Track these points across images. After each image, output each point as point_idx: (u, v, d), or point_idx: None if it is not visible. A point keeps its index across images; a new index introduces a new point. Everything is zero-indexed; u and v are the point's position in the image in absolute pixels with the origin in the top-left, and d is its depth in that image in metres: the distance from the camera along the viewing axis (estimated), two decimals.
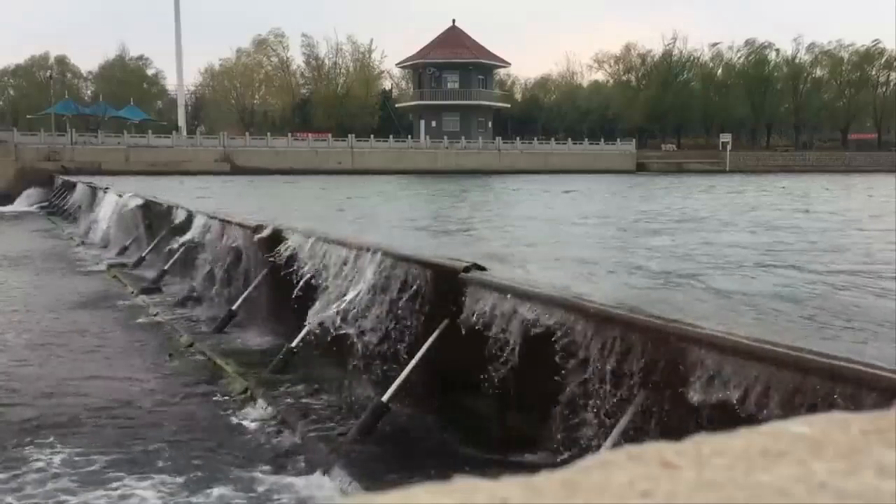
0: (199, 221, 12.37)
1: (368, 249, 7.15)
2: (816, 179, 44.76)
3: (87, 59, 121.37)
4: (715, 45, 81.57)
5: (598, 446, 4.58)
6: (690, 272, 8.78)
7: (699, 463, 0.64)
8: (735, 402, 3.81)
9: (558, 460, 4.72)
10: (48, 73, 71.24)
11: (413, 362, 6.22)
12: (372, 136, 59.24)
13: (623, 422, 4.50)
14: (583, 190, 32.76)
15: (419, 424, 6.24)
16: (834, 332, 5.74)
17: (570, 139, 67.47)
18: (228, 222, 11.25)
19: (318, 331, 7.41)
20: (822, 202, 24.82)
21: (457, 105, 67.95)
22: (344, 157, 54.85)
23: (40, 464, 5.64)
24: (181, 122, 62.55)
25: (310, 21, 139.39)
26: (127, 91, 69.01)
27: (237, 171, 48.73)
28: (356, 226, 14.98)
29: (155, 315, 11.03)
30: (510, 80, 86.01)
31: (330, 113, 70.00)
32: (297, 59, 77.32)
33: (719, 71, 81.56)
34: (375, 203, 24.00)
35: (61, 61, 78.43)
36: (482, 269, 6.09)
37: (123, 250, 17.15)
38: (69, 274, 15.14)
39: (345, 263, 7.43)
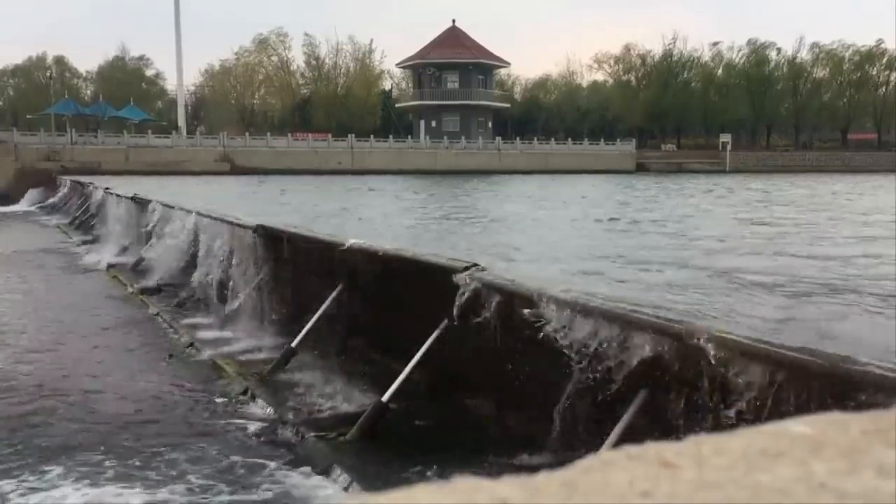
0: (194, 220, 12.38)
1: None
2: (797, 179, 45.01)
3: (87, 59, 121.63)
4: (715, 44, 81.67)
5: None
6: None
7: (699, 463, 0.64)
8: None
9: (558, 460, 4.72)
10: (48, 73, 71.24)
11: (413, 362, 6.22)
12: (372, 136, 59.25)
13: (623, 421, 4.50)
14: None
15: (419, 424, 6.24)
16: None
17: (570, 139, 67.47)
18: (227, 222, 11.24)
19: None
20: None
21: (457, 105, 67.97)
22: (344, 157, 54.88)
23: (40, 462, 5.63)
24: (181, 122, 62.55)
25: (309, 21, 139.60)
26: (127, 91, 68.99)
27: (237, 171, 48.75)
28: None
29: (155, 314, 11.03)
30: (510, 80, 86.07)
31: (330, 113, 70.02)
32: (298, 59, 77.43)
33: (719, 71, 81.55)
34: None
35: (59, 61, 78.39)
36: (482, 269, 6.09)
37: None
38: (69, 273, 15.14)
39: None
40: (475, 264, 6.12)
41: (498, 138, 64.44)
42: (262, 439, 6.25)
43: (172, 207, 13.72)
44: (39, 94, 69.41)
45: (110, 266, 15.64)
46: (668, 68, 79.96)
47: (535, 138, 67.04)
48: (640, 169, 63.21)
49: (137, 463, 5.67)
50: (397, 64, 76.14)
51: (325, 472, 5.51)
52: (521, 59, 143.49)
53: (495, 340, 5.59)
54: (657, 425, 4.34)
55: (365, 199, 27.69)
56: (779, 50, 79.91)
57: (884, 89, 79.51)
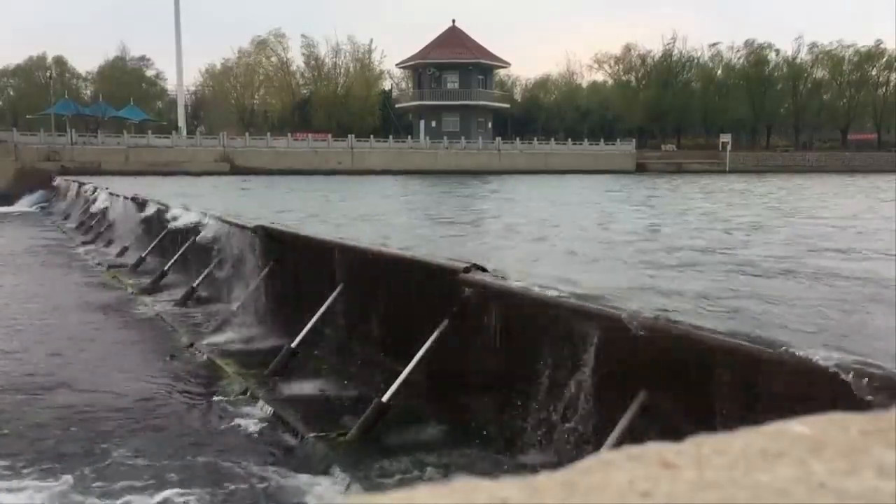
0: (200, 221, 12.39)
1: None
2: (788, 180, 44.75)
3: (87, 60, 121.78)
4: (714, 45, 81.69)
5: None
6: None
7: (699, 463, 0.64)
8: None
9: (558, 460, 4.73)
10: (48, 74, 71.25)
11: (413, 362, 6.21)
12: (372, 136, 59.26)
13: (623, 421, 4.50)
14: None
15: (419, 424, 6.24)
16: None
17: (570, 139, 67.48)
18: (229, 223, 11.26)
19: None
20: None
21: (457, 105, 67.97)
22: (344, 158, 54.88)
23: (39, 461, 5.63)
24: (181, 122, 62.56)
25: (310, 21, 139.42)
26: (127, 91, 69.01)
27: (237, 171, 48.75)
28: None
29: (155, 315, 11.03)
30: (510, 80, 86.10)
31: (330, 113, 70.06)
32: (297, 60, 77.46)
33: (719, 71, 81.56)
34: None
35: (59, 61, 78.43)
36: (483, 269, 6.09)
37: None
38: (69, 273, 15.13)
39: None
40: (475, 264, 6.12)
41: (498, 138, 64.46)
42: (262, 439, 6.25)
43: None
44: (39, 94, 69.41)
45: (111, 266, 15.64)
46: (668, 68, 79.95)
47: (535, 138, 67.04)
48: (640, 169, 63.16)
49: (136, 463, 5.66)
50: (397, 64, 76.20)
51: (324, 472, 5.51)
52: (521, 59, 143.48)
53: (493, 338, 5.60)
54: None
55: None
56: (777, 51, 79.99)
57: (884, 89, 79.45)
